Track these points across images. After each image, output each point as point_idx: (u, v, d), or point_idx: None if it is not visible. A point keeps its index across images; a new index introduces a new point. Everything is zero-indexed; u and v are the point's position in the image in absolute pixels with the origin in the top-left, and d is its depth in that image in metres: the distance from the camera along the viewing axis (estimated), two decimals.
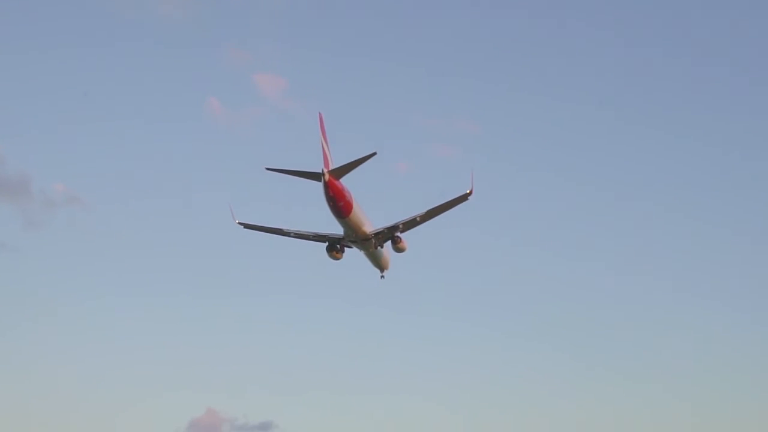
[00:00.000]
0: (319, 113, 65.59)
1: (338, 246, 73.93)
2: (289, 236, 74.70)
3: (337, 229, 71.50)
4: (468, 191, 69.85)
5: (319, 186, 64.93)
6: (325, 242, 74.71)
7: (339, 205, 66.25)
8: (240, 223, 75.23)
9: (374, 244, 72.74)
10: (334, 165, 64.62)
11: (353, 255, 77.20)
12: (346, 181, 65.26)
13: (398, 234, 72.74)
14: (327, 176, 64.09)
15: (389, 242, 73.77)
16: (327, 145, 65.01)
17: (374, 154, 61.84)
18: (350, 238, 71.99)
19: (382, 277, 79.06)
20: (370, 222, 71.49)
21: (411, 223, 72.39)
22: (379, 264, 77.75)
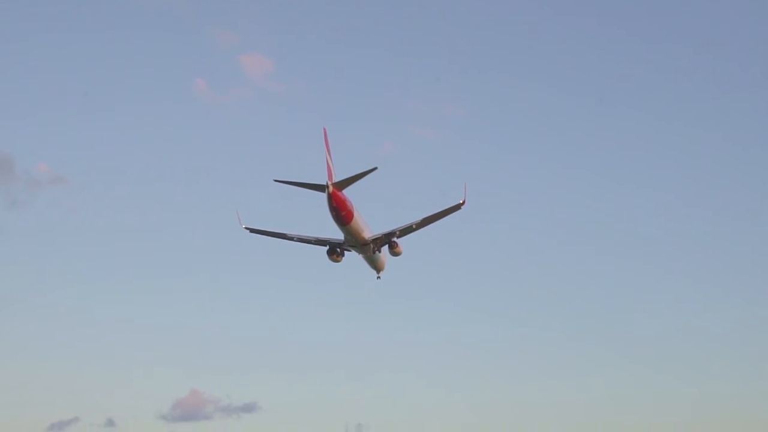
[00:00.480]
0: (324, 128, 69.93)
1: (338, 250, 78.59)
2: (293, 240, 79.17)
3: (337, 233, 76.18)
4: (461, 201, 74.59)
5: (323, 196, 69.46)
6: (326, 246, 79.24)
7: (341, 214, 70.88)
8: (246, 228, 79.54)
9: (372, 248, 77.47)
10: (337, 177, 69.06)
11: (351, 256, 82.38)
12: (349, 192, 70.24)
13: (395, 239, 77.43)
14: (331, 188, 68.58)
15: (386, 246, 78.42)
16: (331, 159, 69.38)
17: (375, 168, 66.52)
18: (350, 243, 76.67)
19: (378, 277, 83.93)
20: (369, 228, 76.16)
21: (407, 230, 77.21)
22: (376, 266, 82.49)
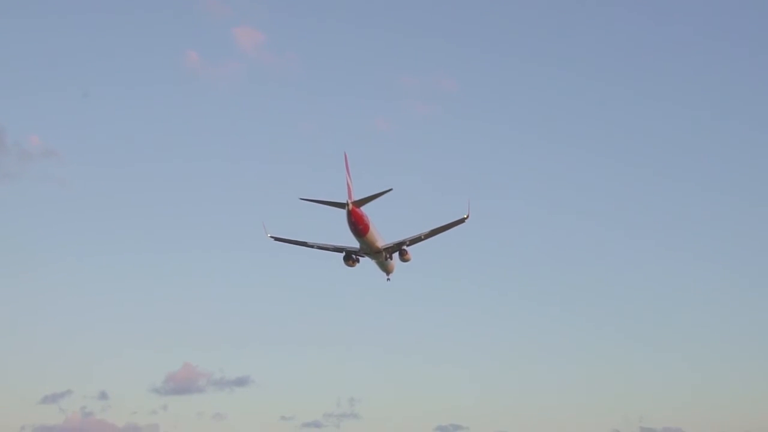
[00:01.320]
0: (345, 153, 78.20)
1: (354, 256, 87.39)
2: (313, 248, 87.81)
3: (352, 242, 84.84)
4: (465, 216, 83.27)
5: (342, 212, 78.11)
6: (342, 253, 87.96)
7: (359, 228, 79.77)
8: (271, 237, 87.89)
9: (385, 256, 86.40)
10: (354, 196, 77.63)
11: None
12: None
13: (405, 247, 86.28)
14: (350, 206, 77.31)
15: (397, 253, 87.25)
16: (351, 180, 77.79)
17: (390, 189, 75.24)
18: (365, 251, 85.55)
19: (388, 279, 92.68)
20: (382, 238, 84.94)
21: (416, 240, 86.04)
22: (386, 270, 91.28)
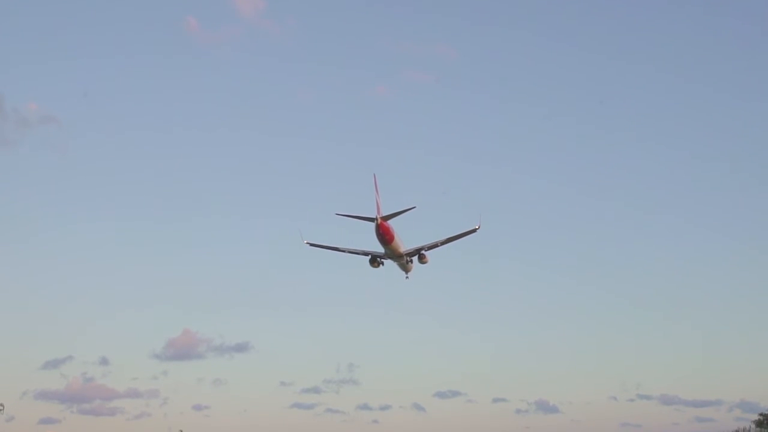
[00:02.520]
0: (374, 174, 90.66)
1: (378, 260, 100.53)
2: (344, 252, 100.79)
3: (377, 247, 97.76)
4: (476, 227, 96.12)
5: (371, 225, 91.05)
6: (368, 256, 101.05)
7: (386, 238, 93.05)
8: (307, 243, 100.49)
9: (406, 260, 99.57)
10: (382, 212, 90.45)
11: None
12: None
13: (423, 252, 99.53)
14: (379, 220, 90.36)
15: (416, 257, 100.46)
16: (379, 198, 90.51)
17: (414, 207, 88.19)
18: (389, 255, 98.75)
19: (407, 278, 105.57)
20: (404, 244, 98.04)
21: (433, 246, 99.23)
22: (406, 270, 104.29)
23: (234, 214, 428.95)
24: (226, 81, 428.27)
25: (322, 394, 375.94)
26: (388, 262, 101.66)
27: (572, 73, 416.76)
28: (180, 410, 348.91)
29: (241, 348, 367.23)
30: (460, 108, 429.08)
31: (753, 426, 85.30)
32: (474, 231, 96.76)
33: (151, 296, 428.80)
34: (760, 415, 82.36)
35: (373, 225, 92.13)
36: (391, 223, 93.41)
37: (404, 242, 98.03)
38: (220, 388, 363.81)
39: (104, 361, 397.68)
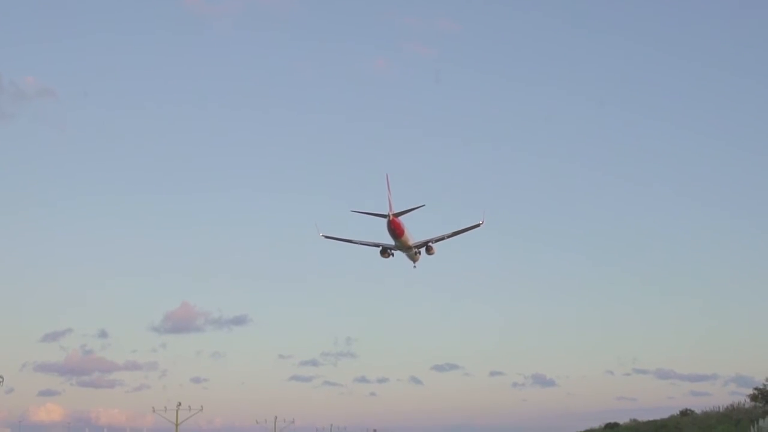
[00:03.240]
0: (386, 174, 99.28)
1: (389, 251, 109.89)
2: (358, 244, 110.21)
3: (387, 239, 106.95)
4: (480, 222, 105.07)
5: (383, 221, 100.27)
6: (379, 247, 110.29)
7: (396, 232, 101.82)
8: (323, 235, 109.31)
9: (414, 251, 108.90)
10: (394, 209, 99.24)
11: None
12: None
13: (431, 244, 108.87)
14: (391, 217, 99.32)
15: (424, 248, 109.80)
16: (391, 197, 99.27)
17: (423, 205, 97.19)
18: (398, 248, 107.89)
19: (414, 267, 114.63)
20: (413, 237, 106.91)
21: (439, 239, 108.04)
22: (413, 260, 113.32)
23: (233, 189, 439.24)
24: (226, 55, 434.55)
25: (320, 366, 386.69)
26: (397, 253, 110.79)
27: (578, 50, 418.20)
28: (179, 382, 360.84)
29: (239, 321, 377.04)
30: (462, 83, 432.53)
31: (748, 400, 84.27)
32: (478, 226, 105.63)
33: (150, 269, 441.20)
34: (755, 389, 79.98)
35: (384, 222, 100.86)
36: (401, 218, 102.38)
37: (413, 235, 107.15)
38: (218, 360, 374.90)
39: (103, 334, 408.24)
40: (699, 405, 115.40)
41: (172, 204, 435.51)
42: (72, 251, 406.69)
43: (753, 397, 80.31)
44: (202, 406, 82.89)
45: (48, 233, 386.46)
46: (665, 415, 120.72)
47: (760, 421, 58.64)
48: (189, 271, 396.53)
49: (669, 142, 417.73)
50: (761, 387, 78.03)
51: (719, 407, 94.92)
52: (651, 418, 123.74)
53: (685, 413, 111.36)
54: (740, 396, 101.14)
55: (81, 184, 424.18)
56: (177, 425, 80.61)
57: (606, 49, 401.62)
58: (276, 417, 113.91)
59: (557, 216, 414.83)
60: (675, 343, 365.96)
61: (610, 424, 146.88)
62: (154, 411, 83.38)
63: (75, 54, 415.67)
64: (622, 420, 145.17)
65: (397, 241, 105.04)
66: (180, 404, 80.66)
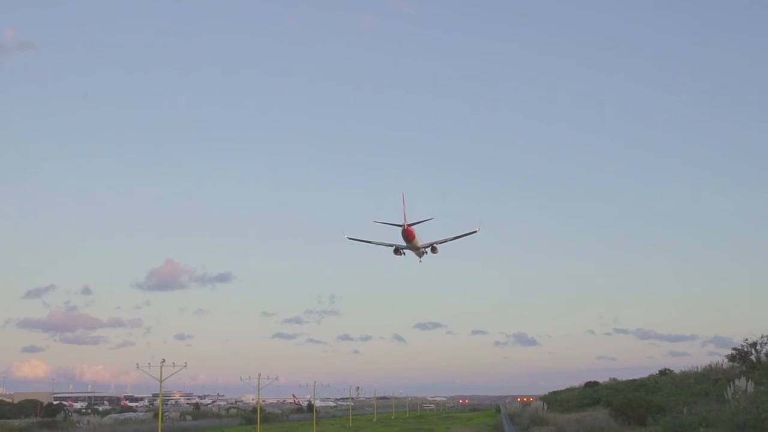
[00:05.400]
0: (402, 193, 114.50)
1: (401, 250, 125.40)
2: (374, 244, 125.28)
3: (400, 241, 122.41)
4: (477, 229, 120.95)
5: (398, 229, 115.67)
6: (392, 247, 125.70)
7: (409, 238, 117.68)
8: (348, 237, 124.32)
9: (422, 251, 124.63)
10: (408, 219, 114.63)
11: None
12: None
13: (436, 245, 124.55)
14: (405, 226, 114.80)
15: (430, 248, 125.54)
16: (405, 209, 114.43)
17: (432, 218, 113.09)
18: (409, 248, 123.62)
19: (420, 261, 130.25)
20: (422, 240, 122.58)
21: (443, 241, 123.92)
22: (420, 257, 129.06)
23: (219, 148, 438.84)
24: (212, 11, 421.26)
25: (303, 324, 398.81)
26: (407, 252, 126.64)
27: (575, 13, 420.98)
28: (163, 339, 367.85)
29: (223, 278, 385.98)
30: (452, 42, 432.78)
31: (726, 361, 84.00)
32: (474, 232, 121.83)
33: (134, 226, 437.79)
34: (733, 349, 78.71)
35: (399, 231, 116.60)
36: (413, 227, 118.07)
37: (422, 238, 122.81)
38: (202, 317, 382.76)
39: (87, 291, 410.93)
40: (678, 365, 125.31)
41: (157, 161, 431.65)
42: (55, 208, 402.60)
43: (731, 358, 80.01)
44: (186, 363, 79.70)
45: (31, 190, 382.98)
46: (644, 374, 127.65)
47: (737, 381, 59.21)
48: (173, 228, 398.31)
49: (637, 102, 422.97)
50: (739, 347, 77.39)
51: (697, 367, 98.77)
52: (630, 377, 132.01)
53: (663, 373, 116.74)
54: (718, 356, 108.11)
55: (64, 141, 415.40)
56: (161, 381, 78.63)
57: (605, 14, 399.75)
58: (260, 374, 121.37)
59: (541, 179, 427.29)
60: (655, 304, 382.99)
61: (590, 382, 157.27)
62: (138, 367, 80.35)
63: (56, 8, 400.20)
64: (602, 379, 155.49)
65: (409, 243, 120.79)
66: (164, 361, 78.11)
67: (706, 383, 79.36)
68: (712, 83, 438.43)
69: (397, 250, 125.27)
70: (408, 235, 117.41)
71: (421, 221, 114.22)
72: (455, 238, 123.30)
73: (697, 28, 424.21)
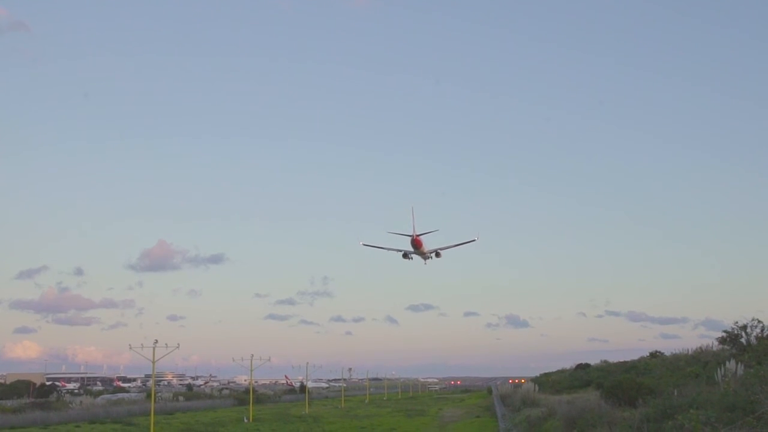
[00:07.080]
0: (412, 207, 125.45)
1: (409, 255, 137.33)
2: (388, 250, 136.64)
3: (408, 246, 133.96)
4: (476, 238, 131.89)
5: (408, 238, 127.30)
6: (401, 252, 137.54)
7: (417, 245, 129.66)
8: (363, 244, 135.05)
9: (427, 256, 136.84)
10: (417, 230, 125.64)
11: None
12: None
13: (440, 251, 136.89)
14: (414, 236, 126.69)
15: (434, 254, 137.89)
16: (414, 222, 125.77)
17: (437, 230, 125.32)
18: (416, 254, 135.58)
19: (425, 264, 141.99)
20: (428, 246, 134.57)
21: (446, 248, 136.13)
22: (425, 260, 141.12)
23: (212, 132, 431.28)
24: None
25: (296, 305, 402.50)
26: (415, 257, 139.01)
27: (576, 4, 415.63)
28: (155, 320, 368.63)
29: (216, 259, 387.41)
30: (447, 24, 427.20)
31: (716, 343, 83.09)
32: (473, 241, 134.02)
33: (127, 207, 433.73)
34: (724, 332, 76.86)
35: (409, 240, 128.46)
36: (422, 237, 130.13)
37: (428, 245, 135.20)
38: (195, 299, 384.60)
39: (79, 272, 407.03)
40: (668, 347, 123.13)
41: (149, 142, 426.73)
42: (48, 188, 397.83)
43: (721, 340, 79.31)
44: (178, 344, 77.91)
45: (22, 171, 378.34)
46: (635, 357, 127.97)
47: (727, 364, 58.34)
48: (166, 209, 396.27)
49: (631, 86, 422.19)
50: (729, 330, 76.47)
51: (688, 350, 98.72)
52: (621, 360, 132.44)
53: (654, 355, 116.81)
54: (709, 339, 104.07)
55: (56, 122, 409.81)
56: (153, 362, 76.70)
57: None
58: (252, 355, 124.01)
59: (533, 161, 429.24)
60: (647, 287, 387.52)
61: (581, 364, 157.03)
62: (130, 348, 78.10)
63: None
64: (594, 361, 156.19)
65: (417, 250, 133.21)
66: (156, 341, 76.24)
67: (696, 365, 78.30)
68: (699, 65, 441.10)
69: (406, 255, 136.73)
70: (416, 243, 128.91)
71: (427, 232, 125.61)
72: (457, 245, 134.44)
73: (698, 13, 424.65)
